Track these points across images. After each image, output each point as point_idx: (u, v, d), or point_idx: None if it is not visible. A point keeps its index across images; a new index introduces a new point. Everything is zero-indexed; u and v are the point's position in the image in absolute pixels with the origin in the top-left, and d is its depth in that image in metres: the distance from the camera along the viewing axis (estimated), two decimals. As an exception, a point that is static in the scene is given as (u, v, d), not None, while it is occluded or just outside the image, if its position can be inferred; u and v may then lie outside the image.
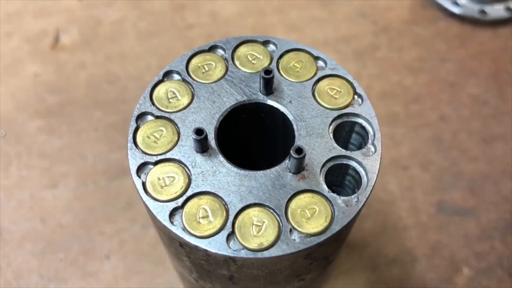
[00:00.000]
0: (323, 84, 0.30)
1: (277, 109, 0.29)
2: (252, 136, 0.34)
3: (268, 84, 0.29)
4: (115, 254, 0.46)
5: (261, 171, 0.27)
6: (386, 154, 0.51)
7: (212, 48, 0.32)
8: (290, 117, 0.29)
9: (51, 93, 0.55)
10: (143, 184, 0.27)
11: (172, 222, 0.25)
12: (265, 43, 0.32)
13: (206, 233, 0.25)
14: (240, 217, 0.26)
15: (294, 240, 0.25)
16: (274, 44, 0.32)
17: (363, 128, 0.28)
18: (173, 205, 0.26)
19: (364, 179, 0.27)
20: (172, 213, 0.26)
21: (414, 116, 0.54)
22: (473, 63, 0.59)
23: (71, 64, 0.57)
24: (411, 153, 0.52)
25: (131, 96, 0.55)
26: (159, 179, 0.27)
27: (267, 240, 0.25)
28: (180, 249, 0.27)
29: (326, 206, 0.26)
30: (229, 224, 0.25)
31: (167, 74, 0.31)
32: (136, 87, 0.55)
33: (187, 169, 0.27)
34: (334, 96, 0.30)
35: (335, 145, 0.28)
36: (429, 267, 0.46)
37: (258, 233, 0.25)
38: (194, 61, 0.31)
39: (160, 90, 0.30)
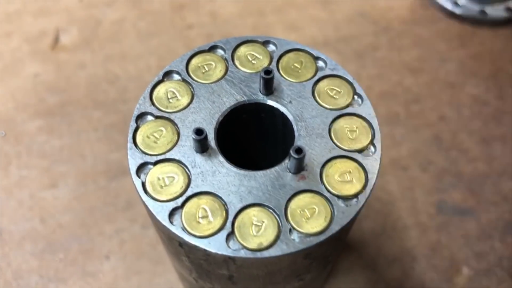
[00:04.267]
0: (323, 84, 0.30)
1: (277, 109, 0.29)
2: (252, 136, 0.34)
3: (268, 84, 0.29)
4: (115, 254, 0.46)
5: (261, 171, 0.27)
6: (386, 154, 0.51)
7: (212, 48, 0.32)
8: (290, 117, 0.29)
9: (51, 93, 0.55)
10: (143, 184, 0.27)
11: (171, 222, 0.25)
12: (265, 43, 0.32)
13: (206, 233, 0.25)
14: (239, 217, 0.26)
15: (294, 240, 0.25)
16: (274, 44, 0.32)
17: None
18: (172, 205, 0.26)
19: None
20: (171, 213, 0.26)
21: (414, 116, 0.54)
22: (473, 63, 0.59)
23: (71, 64, 0.57)
24: (411, 153, 0.52)
25: (131, 96, 0.55)
26: (158, 179, 0.27)
27: (266, 240, 0.25)
28: (180, 249, 0.27)
29: (325, 206, 0.26)
30: (228, 224, 0.25)
31: (167, 74, 0.31)
32: (136, 87, 0.55)
33: (186, 169, 0.27)
34: (334, 96, 0.30)
35: (335, 145, 0.28)
36: (429, 267, 0.46)
37: (257, 233, 0.25)
38: (194, 61, 0.31)
39: (160, 90, 0.30)
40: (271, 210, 0.26)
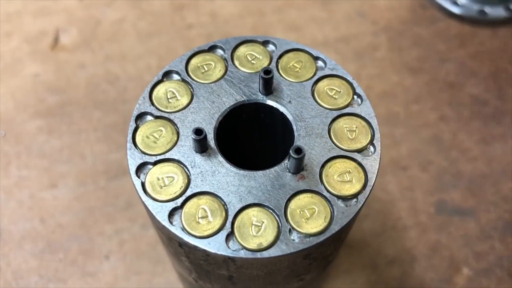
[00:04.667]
0: (323, 84, 0.30)
1: (276, 109, 0.29)
2: (251, 136, 0.34)
3: (268, 84, 0.29)
4: (115, 254, 0.46)
5: (261, 171, 0.27)
6: (386, 154, 0.51)
7: (211, 48, 0.32)
8: (290, 117, 0.29)
9: (51, 93, 0.55)
10: (143, 184, 0.27)
11: (171, 222, 0.25)
12: (265, 43, 0.32)
13: (205, 233, 0.25)
14: (239, 217, 0.26)
15: (294, 240, 0.25)
16: (274, 44, 0.32)
17: None
18: (172, 205, 0.26)
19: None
20: (171, 213, 0.26)
21: (414, 116, 0.54)
22: (473, 63, 0.59)
23: (71, 64, 0.57)
24: (411, 153, 0.52)
25: (131, 96, 0.55)
26: (158, 179, 0.27)
27: (266, 240, 0.25)
28: (179, 249, 0.27)
29: (325, 206, 0.26)
30: (228, 224, 0.25)
31: (167, 74, 0.31)
32: (136, 87, 0.55)
33: (186, 169, 0.27)
34: (334, 96, 0.30)
35: (334, 145, 0.28)
36: (428, 267, 0.46)
37: (257, 233, 0.25)
38: (193, 61, 0.31)
39: (160, 90, 0.30)
40: (270, 210, 0.26)
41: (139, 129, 0.28)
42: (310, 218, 0.25)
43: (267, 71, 0.28)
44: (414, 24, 0.62)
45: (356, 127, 0.29)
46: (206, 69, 0.31)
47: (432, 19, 0.62)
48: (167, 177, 0.27)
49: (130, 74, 0.57)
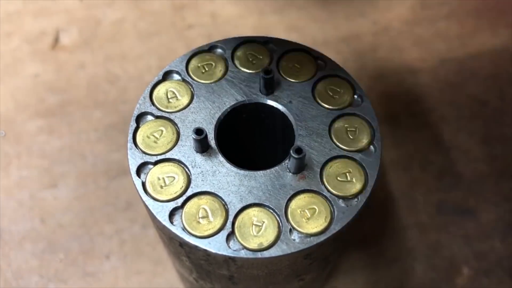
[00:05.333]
0: (323, 84, 0.30)
1: (277, 109, 0.30)
2: (252, 136, 0.34)
3: (268, 84, 0.29)
4: (115, 254, 0.46)
5: (261, 171, 0.27)
6: (386, 154, 0.51)
7: (212, 48, 0.32)
8: (290, 117, 0.29)
9: (51, 93, 0.55)
10: (143, 184, 0.27)
11: (172, 222, 0.26)
12: (265, 43, 0.32)
13: (206, 233, 0.25)
14: (240, 217, 0.26)
15: (294, 240, 0.25)
16: (274, 44, 0.32)
17: None
18: (173, 205, 0.26)
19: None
20: (172, 213, 0.26)
21: (414, 116, 0.54)
22: (473, 63, 0.59)
23: (71, 64, 0.57)
24: (411, 153, 0.52)
25: (131, 96, 0.55)
26: (159, 179, 0.27)
27: (267, 240, 0.25)
28: (180, 249, 0.27)
29: (326, 206, 0.26)
30: (229, 224, 0.25)
31: (167, 74, 0.31)
32: (136, 87, 0.55)
33: (187, 169, 0.27)
34: (334, 96, 0.30)
35: (335, 145, 0.28)
36: (429, 267, 0.46)
37: (258, 233, 0.25)
38: (194, 61, 0.31)
39: (160, 90, 0.30)
40: (271, 210, 0.26)
41: (140, 129, 0.28)
42: (311, 218, 0.25)
43: (267, 71, 0.28)
44: (414, 24, 0.62)
45: (357, 127, 0.29)
46: (206, 69, 0.31)
47: (432, 19, 0.62)
48: (168, 177, 0.27)
49: (130, 74, 0.57)
